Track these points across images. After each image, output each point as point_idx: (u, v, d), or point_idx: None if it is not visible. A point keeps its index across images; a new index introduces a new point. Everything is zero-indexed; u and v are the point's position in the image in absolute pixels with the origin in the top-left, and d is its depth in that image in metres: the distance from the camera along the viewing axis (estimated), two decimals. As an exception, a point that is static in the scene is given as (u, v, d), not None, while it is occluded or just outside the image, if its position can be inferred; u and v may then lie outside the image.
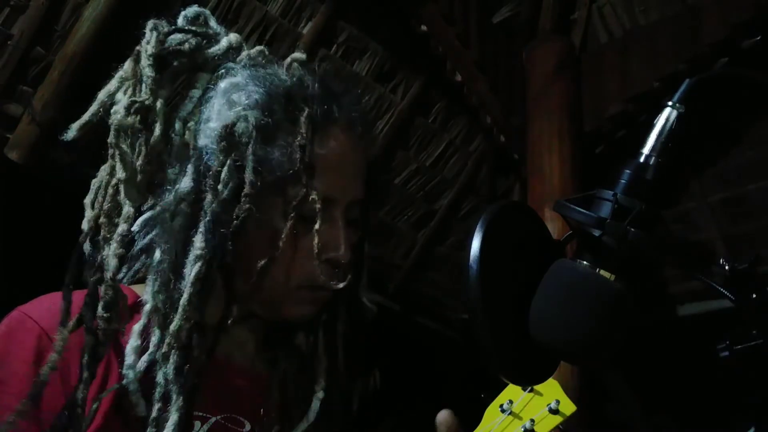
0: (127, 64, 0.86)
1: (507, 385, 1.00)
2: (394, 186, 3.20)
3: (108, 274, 0.82)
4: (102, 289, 0.82)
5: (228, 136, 0.82)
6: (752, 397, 0.66)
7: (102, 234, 0.84)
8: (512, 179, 3.48)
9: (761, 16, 2.59)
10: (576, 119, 3.05)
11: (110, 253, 0.82)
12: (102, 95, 0.86)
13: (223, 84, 0.86)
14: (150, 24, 0.87)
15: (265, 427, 0.91)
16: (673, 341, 3.30)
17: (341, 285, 0.87)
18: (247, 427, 0.89)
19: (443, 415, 0.90)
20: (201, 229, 0.81)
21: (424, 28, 2.88)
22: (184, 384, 0.78)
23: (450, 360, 3.58)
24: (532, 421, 0.98)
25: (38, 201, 2.35)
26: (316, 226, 0.84)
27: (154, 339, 0.81)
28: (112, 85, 0.86)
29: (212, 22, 0.91)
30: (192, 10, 0.90)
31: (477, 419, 1.02)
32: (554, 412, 1.00)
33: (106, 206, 0.86)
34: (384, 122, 3.05)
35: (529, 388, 1.04)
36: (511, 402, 1.01)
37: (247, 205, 0.81)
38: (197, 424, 0.85)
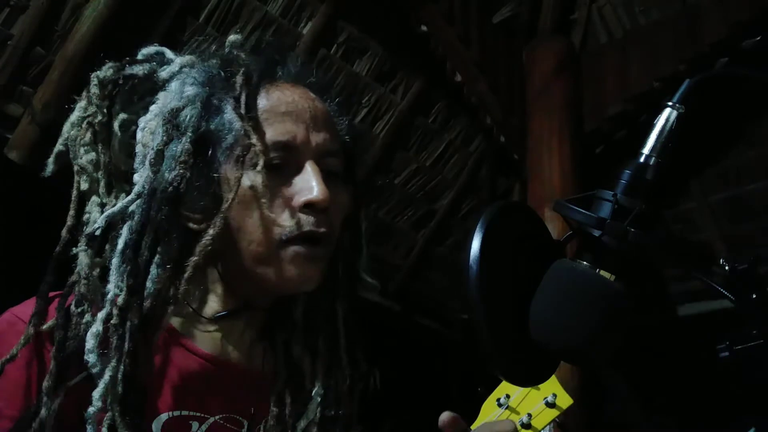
0: (83, 94, 0.92)
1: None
2: (394, 186, 3.21)
3: (82, 272, 0.83)
4: (76, 287, 0.84)
5: (173, 117, 0.86)
6: (752, 398, 0.66)
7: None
8: (512, 179, 3.48)
9: (761, 16, 2.59)
10: (576, 119, 3.05)
11: (80, 251, 0.84)
12: (66, 128, 0.91)
13: (171, 84, 0.92)
14: (106, 63, 0.94)
15: (264, 427, 0.90)
16: (673, 341, 3.30)
17: (323, 229, 0.87)
18: (246, 426, 0.89)
19: (446, 417, 0.89)
20: (138, 200, 0.84)
21: (424, 28, 2.88)
22: (118, 346, 0.78)
23: (450, 360, 3.58)
24: (529, 415, 0.98)
25: (38, 201, 2.35)
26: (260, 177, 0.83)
27: (101, 314, 0.81)
28: (73, 116, 0.91)
29: (169, 55, 0.96)
30: (150, 48, 0.96)
31: (475, 415, 1.02)
32: (551, 405, 1.00)
33: (78, 216, 0.89)
34: (384, 122, 3.05)
35: None
36: (508, 396, 1.01)
37: (181, 171, 0.83)
38: (195, 424, 0.85)
